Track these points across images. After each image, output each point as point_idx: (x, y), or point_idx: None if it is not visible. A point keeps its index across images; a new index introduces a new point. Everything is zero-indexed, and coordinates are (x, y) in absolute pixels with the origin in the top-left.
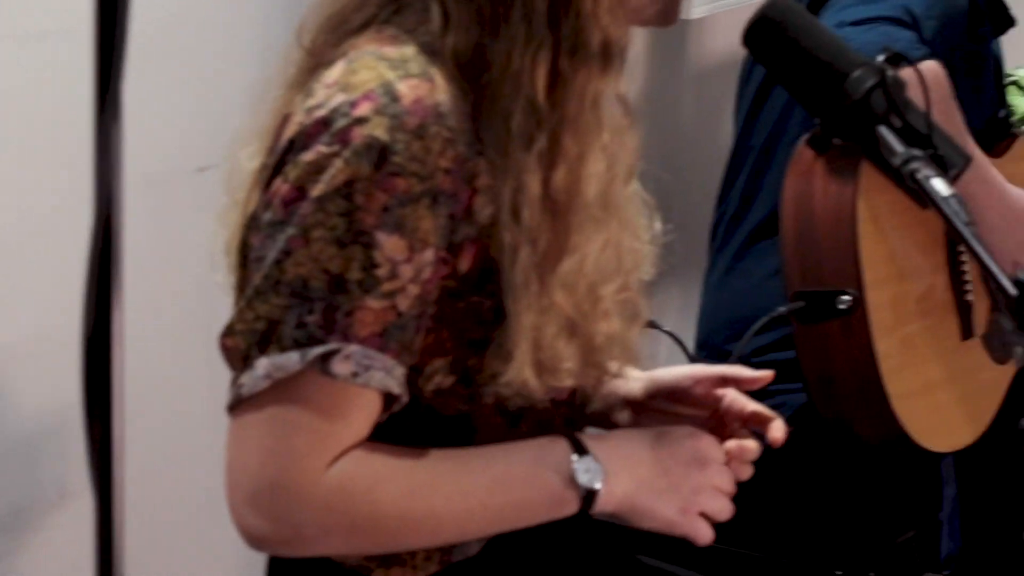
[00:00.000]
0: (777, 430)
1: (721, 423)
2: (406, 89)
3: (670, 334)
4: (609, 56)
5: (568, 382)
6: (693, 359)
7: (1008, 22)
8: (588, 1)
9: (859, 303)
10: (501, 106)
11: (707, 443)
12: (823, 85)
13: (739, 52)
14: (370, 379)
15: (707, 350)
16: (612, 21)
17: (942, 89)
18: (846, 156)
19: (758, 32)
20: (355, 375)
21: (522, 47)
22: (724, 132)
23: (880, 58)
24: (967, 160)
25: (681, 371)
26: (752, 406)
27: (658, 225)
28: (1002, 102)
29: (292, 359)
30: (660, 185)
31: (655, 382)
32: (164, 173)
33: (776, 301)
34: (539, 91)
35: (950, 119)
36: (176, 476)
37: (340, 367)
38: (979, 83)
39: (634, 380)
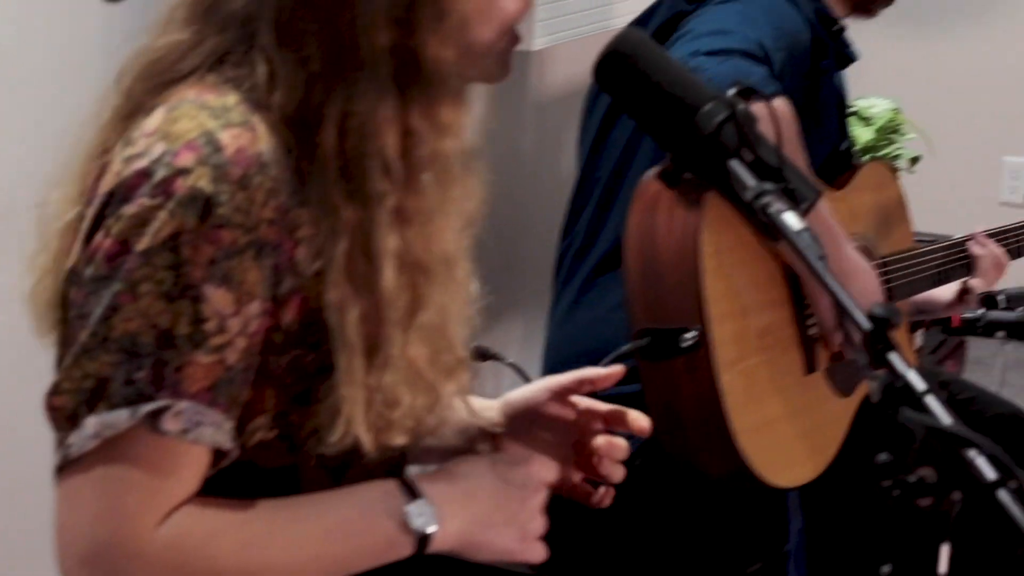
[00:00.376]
0: (639, 420)
1: (582, 431)
2: (228, 138)
3: (513, 366)
4: (457, 113)
5: (401, 440)
6: None
7: (850, 57)
8: (432, 61)
9: (703, 339)
10: (345, 164)
11: (538, 467)
12: (674, 119)
13: (580, 82)
14: (200, 435)
15: None
16: (458, 78)
17: (789, 128)
18: (690, 191)
19: (608, 66)
20: (185, 432)
21: (371, 107)
22: (566, 162)
23: (731, 92)
24: (817, 194)
25: (533, 387)
26: (607, 406)
27: (475, 285)
28: (844, 135)
29: (122, 417)
30: (501, 218)
31: (510, 405)
32: None
33: (622, 334)
34: (391, 150)
35: (798, 156)
36: (4, 529)
37: (170, 424)
38: (821, 116)
39: (489, 408)
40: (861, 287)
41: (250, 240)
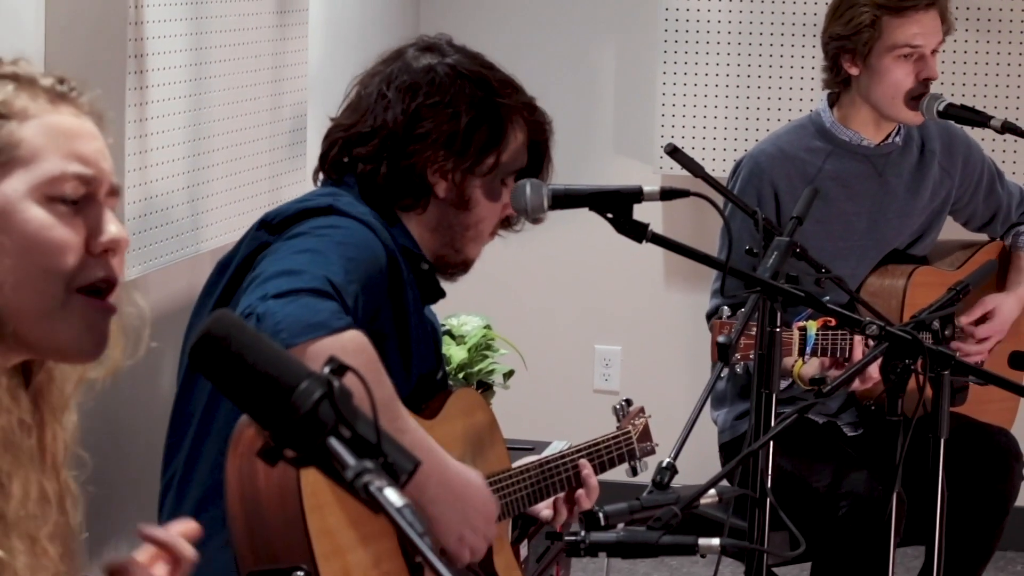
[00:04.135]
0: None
1: None
2: None
3: None
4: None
5: None
6: None
7: (439, 293)
8: None
9: None
10: None
11: None
12: (271, 399)
13: (173, 307)
14: None
15: None
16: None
17: (368, 356)
18: None
19: (203, 350)
20: None
21: None
22: (162, 386)
23: (326, 368)
24: (416, 464)
25: None
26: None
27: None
28: (439, 364)
29: None
30: (99, 450)
31: None
32: None
33: (232, 573)
34: None
35: (380, 384)
36: None
37: None
38: (406, 341)
39: None
40: (476, 501)
41: None
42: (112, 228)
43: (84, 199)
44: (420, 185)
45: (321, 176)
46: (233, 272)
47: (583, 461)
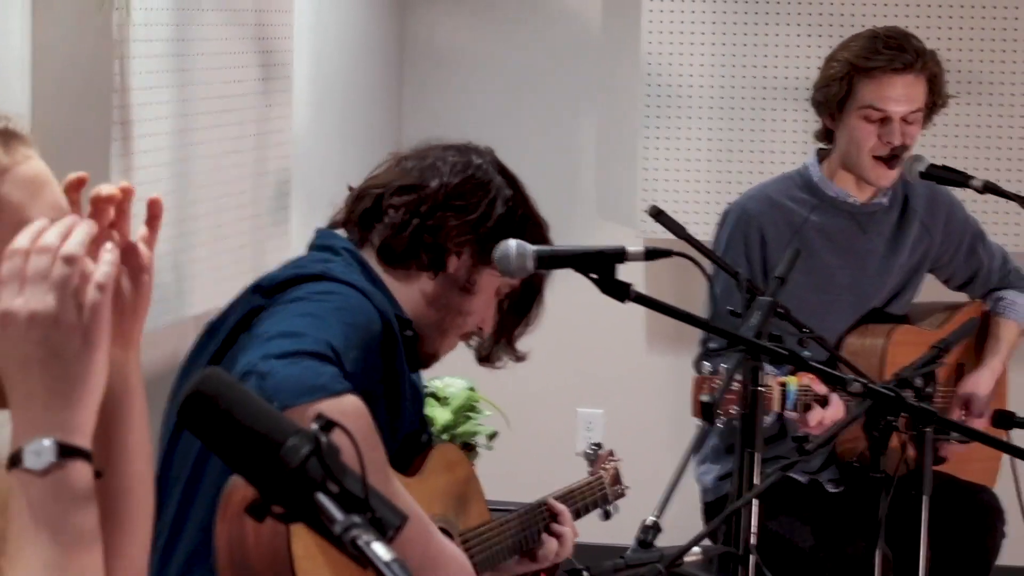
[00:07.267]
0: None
1: None
2: None
3: None
4: None
5: None
6: None
7: (419, 364)
8: None
9: None
10: None
11: None
12: (259, 455)
13: (157, 372)
14: None
15: None
16: None
17: (365, 421)
18: None
19: (192, 407)
20: None
21: None
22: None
23: (314, 425)
24: (404, 519)
25: None
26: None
27: None
28: (424, 426)
29: None
30: None
31: None
32: None
33: None
34: None
35: (374, 449)
36: None
37: None
38: (396, 404)
39: None
40: (455, 572)
41: None
42: None
43: None
44: (437, 252)
45: (342, 232)
46: (227, 334)
47: (551, 501)
